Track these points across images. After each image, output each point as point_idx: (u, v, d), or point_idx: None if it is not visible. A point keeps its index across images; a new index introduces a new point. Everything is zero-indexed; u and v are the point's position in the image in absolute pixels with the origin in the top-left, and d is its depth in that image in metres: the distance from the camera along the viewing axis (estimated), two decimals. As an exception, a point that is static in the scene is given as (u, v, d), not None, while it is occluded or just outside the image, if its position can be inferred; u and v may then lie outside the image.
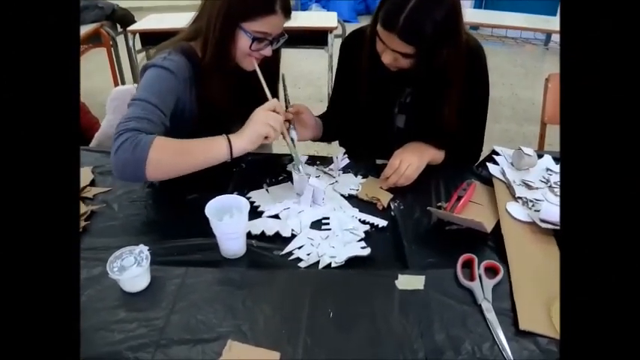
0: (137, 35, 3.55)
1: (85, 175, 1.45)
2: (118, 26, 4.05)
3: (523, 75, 5.13)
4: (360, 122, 1.60)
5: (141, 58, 3.64)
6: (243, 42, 1.33)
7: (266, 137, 1.25)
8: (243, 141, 1.23)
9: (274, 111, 1.28)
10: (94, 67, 4.12)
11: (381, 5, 1.28)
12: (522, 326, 0.95)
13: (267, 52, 1.38)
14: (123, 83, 4.03)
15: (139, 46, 3.60)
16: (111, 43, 3.81)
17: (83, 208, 1.29)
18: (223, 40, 1.32)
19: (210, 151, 1.21)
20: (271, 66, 1.49)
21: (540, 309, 0.99)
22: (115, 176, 1.21)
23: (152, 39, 3.48)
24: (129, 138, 1.13)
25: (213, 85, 1.37)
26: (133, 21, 3.96)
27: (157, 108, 1.22)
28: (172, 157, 1.18)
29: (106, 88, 3.97)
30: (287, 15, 1.34)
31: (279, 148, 1.54)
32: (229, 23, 1.30)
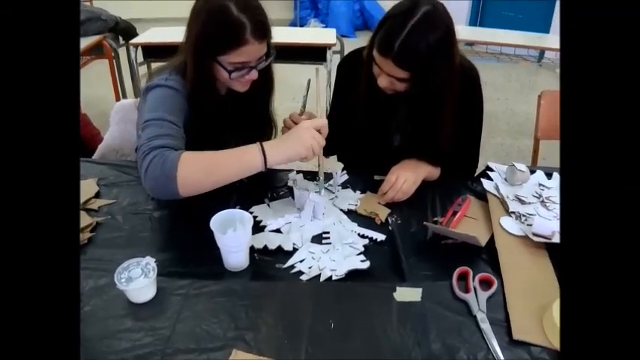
0: (139, 48, 3.59)
1: (90, 187, 1.47)
2: (120, 38, 4.09)
3: (518, 90, 5.19)
4: (357, 141, 1.63)
5: (142, 71, 3.68)
6: (222, 73, 1.32)
7: (303, 158, 1.24)
8: (279, 155, 1.20)
9: (319, 131, 1.26)
10: (95, 76, 4.15)
11: (378, 30, 1.31)
12: (516, 336, 0.99)
13: (253, 75, 1.35)
14: (124, 94, 4.07)
15: (140, 58, 3.65)
16: (113, 54, 3.85)
17: (88, 220, 1.31)
18: (200, 73, 1.31)
19: (242, 162, 1.18)
20: (265, 82, 1.48)
21: (533, 319, 1.03)
22: (150, 196, 1.20)
23: (154, 52, 3.53)
24: (156, 156, 1.12)
25: (202, 109, 1.36)
26: (135, 34, 4.01)
27: (172, 124, 1.22)
28: (202, 171, 1.16)
29: (107, 97, 4.02)
30: (262, 38, 1.30)
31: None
32: (203, 59, 1.30)
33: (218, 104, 1.42)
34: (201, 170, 1.16)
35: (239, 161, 1.19)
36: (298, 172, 1.55)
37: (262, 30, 1.29)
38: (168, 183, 1.12)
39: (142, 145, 1.16)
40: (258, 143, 1.20)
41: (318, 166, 1.37)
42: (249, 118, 1.54)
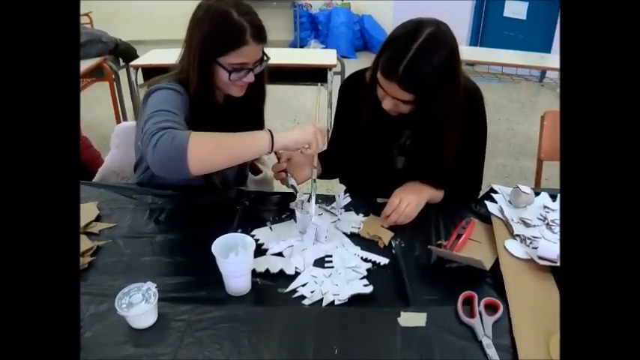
0: (139, 70, 3.61)
1: (91, 210, 1.46)
2: (121, 60, 4.11)
3: (519, 110, 5.21)
4: (360, 163, 1.63)
5: (142, 93, 3.69)
6: (222, 74, 1.40)
7: (307, 148, 1.30)
8: (287, 138, 1.27)
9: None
10: (95, 99, 4.16)
11: (382, 52, 1.31)
12: (522, 361, 0.97)
13: (250, 78, 1.44)
14: (124, 117, 4.08)
15: (141, 80, 3.66)
16: (113, 77, 3.87)
17: (89, 244, 1.30)
18: (203, 76, 1.40)
19: (251, 141, 1.25)
20: (258, 88, 1.56)
21: (539, 344, 1.01)
22: (156, 173, 1.24)
23: (154, 74, 3.51)
24: (165, 133, 1.16)
25: (202, 116, 1.41)
26: (135, 56, 4.03)
27: (176, 115, 1.27)
28: (212, 147, 1.21)
29: (107, 120, 4.03)
30: (260, 41, 1.40)
31: (280, 187, 1.57)
32: (206, 60, 1.38)
33: (217, 111, 1.48)
34: (211, 146, 1.21)
35: (248, 140, 1.25)
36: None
37: (260, 33, 1.39)
38: (179, 157, 1.14)
39: (147, 129, 1.19)
40: (266, 129, 1.27)
41: (314, 166, 1.40)
42: (245, 125, 1.55)
